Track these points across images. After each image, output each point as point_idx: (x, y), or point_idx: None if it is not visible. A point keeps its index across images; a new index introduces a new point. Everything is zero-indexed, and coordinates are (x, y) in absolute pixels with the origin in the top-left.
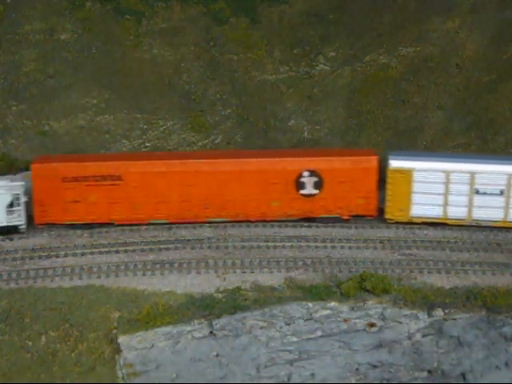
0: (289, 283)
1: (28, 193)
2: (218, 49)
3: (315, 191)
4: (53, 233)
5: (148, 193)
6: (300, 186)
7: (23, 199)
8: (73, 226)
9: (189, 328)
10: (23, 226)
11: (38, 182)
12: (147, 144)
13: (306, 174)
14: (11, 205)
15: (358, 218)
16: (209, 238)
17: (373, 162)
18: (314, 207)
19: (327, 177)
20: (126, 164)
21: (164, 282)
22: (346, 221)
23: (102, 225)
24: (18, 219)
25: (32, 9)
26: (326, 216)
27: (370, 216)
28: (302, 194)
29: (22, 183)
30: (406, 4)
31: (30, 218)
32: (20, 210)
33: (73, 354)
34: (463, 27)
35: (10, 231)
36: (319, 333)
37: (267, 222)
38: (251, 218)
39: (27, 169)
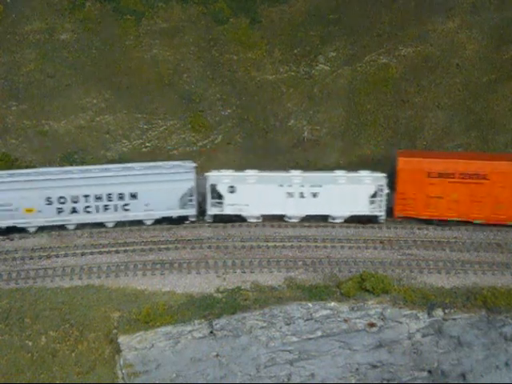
0: (289, 283)
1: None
2: (218, 49)
3: None
4: (53, 233)
5: None
6: None
7: (386, 191)
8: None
9: (189, 328)
10: (383, 217)
11: (403, 175)
12: (147, 144)
13: None
14: (374, 195)
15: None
16: (209, 238)
17: None
18: None
19: None
20: (493, 164)
21: (164, 282)
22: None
23: (457, 223)
24: (379, 210)
25: (32, 9)
26: None
27: None
28: None
29: (386, 175)
30: (406, 4)
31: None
32: (381, 201)
33: (73, 354)
34: (463, 27)
35: (370, 220)
36: (319, 333)
37: (267, 221)
38: None
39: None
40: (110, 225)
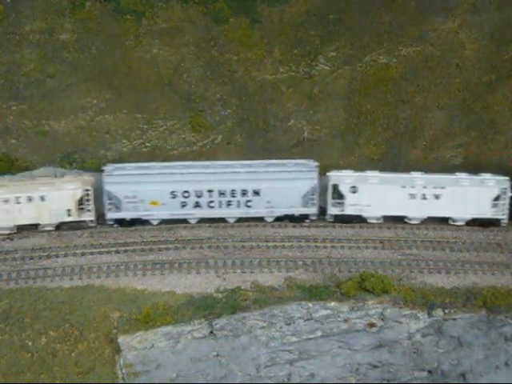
0: (289, 283)
1: None
2: (218, 49)
3: None
4: (53, 233)
5: None
6: None
7: (509, 194)
8: None
9: (189, 328)
10: (505, 221)
11: None
12: (147, 144)
13: None
14: (497, 198)
15: None
16: (209, 238)
17: None
18: None
19: None
20: None
21: (164, 282)
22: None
23: None
24: (501, 213)
25: (32, 9)
26: None
27: None
28: None
29: (508, 178)
30: (406, 4)
31: None
32: (504, 205)
33: (73, 354)
34: (463, 27)
35: (492, 224)
36: (319, 333)
37: (267, 222)
38: None
39: (27, 168)
40: (232, 220)
